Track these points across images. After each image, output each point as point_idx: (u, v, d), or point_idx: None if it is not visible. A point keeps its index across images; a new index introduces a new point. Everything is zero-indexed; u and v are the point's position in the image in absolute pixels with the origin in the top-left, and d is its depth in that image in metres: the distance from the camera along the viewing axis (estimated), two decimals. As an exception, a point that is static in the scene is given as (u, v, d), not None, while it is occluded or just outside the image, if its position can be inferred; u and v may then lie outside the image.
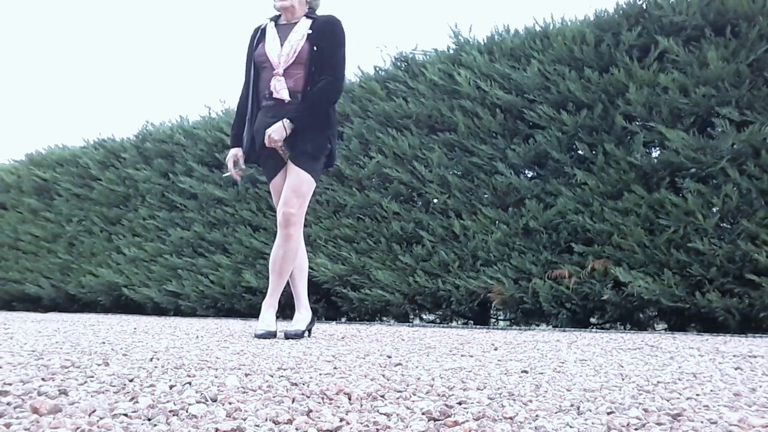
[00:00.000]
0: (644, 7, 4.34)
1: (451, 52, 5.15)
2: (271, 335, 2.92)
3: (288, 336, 2.96)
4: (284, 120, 2.92)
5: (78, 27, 23.71)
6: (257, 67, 3.09)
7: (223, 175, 3.06)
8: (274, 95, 2.98)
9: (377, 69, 5.54)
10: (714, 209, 3.92)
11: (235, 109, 3.24)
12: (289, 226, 2.98)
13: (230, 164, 3.19)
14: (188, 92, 22.07)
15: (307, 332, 3.09)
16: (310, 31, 2.98)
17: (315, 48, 2.96)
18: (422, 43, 11.57)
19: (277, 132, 2.92)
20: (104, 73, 22.92)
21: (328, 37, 2.98)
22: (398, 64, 5.45)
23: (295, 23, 3.04)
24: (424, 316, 5.61)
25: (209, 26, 24.89)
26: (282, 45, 2.99)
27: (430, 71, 5.05)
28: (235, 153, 3.18)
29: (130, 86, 22.70)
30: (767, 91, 3.87)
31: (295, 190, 2.97)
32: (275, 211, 3.22)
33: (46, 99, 23.10)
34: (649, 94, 4.17)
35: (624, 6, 4.41)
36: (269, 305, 3.05)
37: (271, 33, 3.06)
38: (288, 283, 3.13)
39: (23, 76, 22.62)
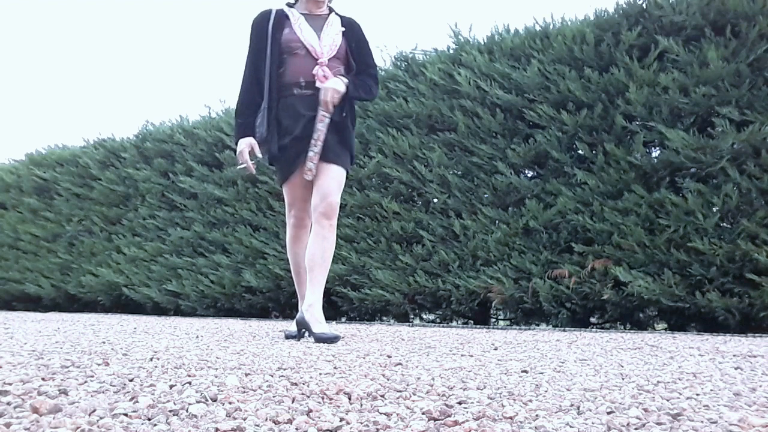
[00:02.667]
0: (644, 7, 4.34)
1: (451, 51, 5.15)
2: (337, 338, 2.74)
3: (319, 340, 2.75)
4: (342, 77, 2.88)
5: (78, 27, 23.71)
6: (283, 53, 2.93)
7: (237, 167, 3.01)
8: (318, 84, 2.88)
9: (377, 68, 5.54)
10: (714, 209, 3.92)
11: (239, 99, 3.00)
12: (333, 216, 2.90)
13: (246, 155, 2.94)
14: (188, 92, 22.09)
15: (306, 332, 3.07)
16: (344, 29, 2.99)
17: (352, 45, 2.99)
18: (422, 43, 11.57)
19: (337, 91, 2.84)
20: (104, 73, 22.93)
21: (358, 37, 3.02)
22: (398, 63, 5.45)
23: (324, 16, 3.01)
24: (424, 316, 5.60)
25: (209, 26, 24.89)
26: (319, 36, 2.93)
27: (430, 71, 5.05)
28: (248, 142, 2.94)
29: (130, 86, 22.71)
30: (767, 91, 3.87)
31: (339, 182, 2.94)
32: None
33: (46, 99, 23.11)
34: (649, 94, 4.17)
35: (624, 6, 4.41)
36: (318, 302, 2.87)
37: (300, 20, 2.96)
38: (292, 282, 3.11)
39: (23, 76, 22.62)
